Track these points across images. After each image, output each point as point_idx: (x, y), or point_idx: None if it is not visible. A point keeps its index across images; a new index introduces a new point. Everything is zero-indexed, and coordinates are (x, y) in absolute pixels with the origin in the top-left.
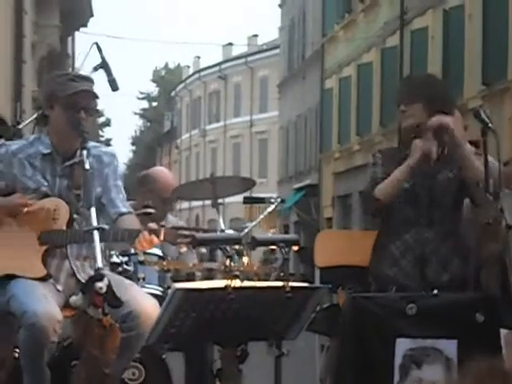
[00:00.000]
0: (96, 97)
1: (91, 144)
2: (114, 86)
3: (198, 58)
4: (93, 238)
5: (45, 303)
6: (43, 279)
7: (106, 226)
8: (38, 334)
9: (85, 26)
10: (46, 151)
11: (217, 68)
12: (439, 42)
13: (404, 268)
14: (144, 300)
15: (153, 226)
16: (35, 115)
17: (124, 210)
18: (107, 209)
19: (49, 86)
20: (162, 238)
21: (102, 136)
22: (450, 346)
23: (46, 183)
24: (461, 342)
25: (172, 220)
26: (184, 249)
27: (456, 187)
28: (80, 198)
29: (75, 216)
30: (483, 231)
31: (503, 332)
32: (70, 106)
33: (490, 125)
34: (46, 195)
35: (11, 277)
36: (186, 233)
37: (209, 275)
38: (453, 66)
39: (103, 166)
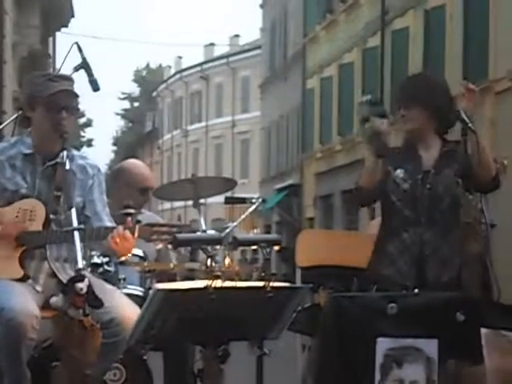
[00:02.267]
0: (76, 96)
1: (77, 153)
2: (95, 86)
3: (180, 58)
4: (70, 238)
5: (22, 300)
6: (21, 280)
7: (85, 227)
8: (15, 330)
9: (66, 26)
10: (27, 151)
11: (198, 68)
12: (420, 42)
13: (401, 268)
14: (126, 307)
15: (127, 222)
16: (15, 116)
17: (109, 224)
18: (92, 222)
19: (29, 88)
20: (136, 234)
21: (83, 137)
22: (430, 346)
23: (25, 185)
24: (441, 341)
25: (151, 217)
26: (160, 245)
27: (457, 186)
28: (60, 200)
29: (53, 217)
30: (464, 231)
31: (484, 331)
32: (51, 106)
33: (470, 125)
34: (25, 197)
35: None
36: (162, 229)
37: (190, 275)
38: (434, 66)
39: (87, 177)
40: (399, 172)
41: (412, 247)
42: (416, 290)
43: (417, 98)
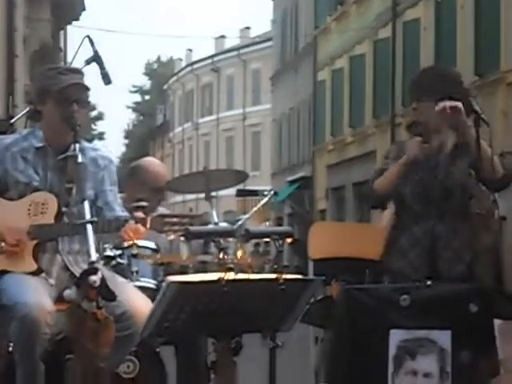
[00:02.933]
0: (87, 89)
1: (88, 145)
2: (106, 79)
3: (191, 50)
4: (83, 230)
5: (36, 294)
6: (35, 273)
7: (96, 219)
8: (29, 325)
9: (77, 19)
10: (38, 145)
11: (209, 61)
12: (431, 33)
13: (412, 261)
14: (138, 300)
15: (139, 214)
16: (27, 109)
17: (121, 213)
18: (104, 212)
19: (39, 81)
20: (148, 226)
21: (95, 130)
22: (443, 337)
23: (37, 177)
24: (455, 332)
25: (162, 211)
26: (172, 236)
27: (470, 177)
28: (72, 192)
29: (65, 209)
30: (476, 222)
31: (497, 322)
32: (63, 99)
33: (482, 115)
34: (37, 189)
35: (2, 272)
36: (174, 220)
37: (202, 268)
38: (445, 57)
39: (99, 169)
40: None
41: (423, 240)
42: (428, 282)
43: (430, 90)
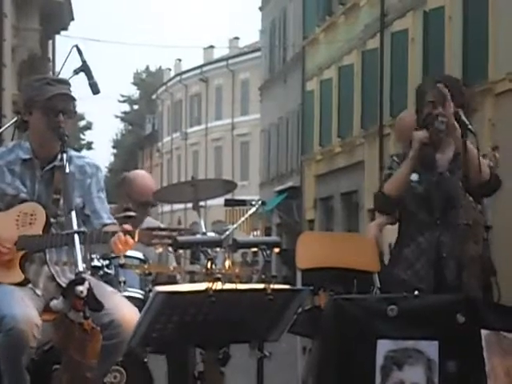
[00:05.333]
0: (73, 99)
1: (75, 154)
2: (94, 89)
3: (180, 60)
4: (70, 241)
5: (23, 308)
6: (21, 284)
7: (86, 229)
8: (16, 339)
9: (65, 29)
10: (25, 157)
11: (198, 71)
12: (419, 44)
13: (418, 271)
14: (125, 308)
15: (127, 227)
16: (14, 120)
17: (108, 221)
18: (91, 220)
19: (26, 92)
20: (136, 238)
21: (83, 139)
22: (431, 347)
23: (24, 189)
24: (442, 343)
25: (150, 222)
26: (160, 250)
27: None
28: (59, 203)
29: (53, 220)
30: (463, 232)
31: (484, 333)
32: (48, 110)
33: (469, 126)
34: (25, 201)
35: None
36: (162, 233)
37: (190, 278)
38: (433, 68)
39: (86, 176)
40: (413, 176)
41: (429, 250)
42: (416, 292)
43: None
